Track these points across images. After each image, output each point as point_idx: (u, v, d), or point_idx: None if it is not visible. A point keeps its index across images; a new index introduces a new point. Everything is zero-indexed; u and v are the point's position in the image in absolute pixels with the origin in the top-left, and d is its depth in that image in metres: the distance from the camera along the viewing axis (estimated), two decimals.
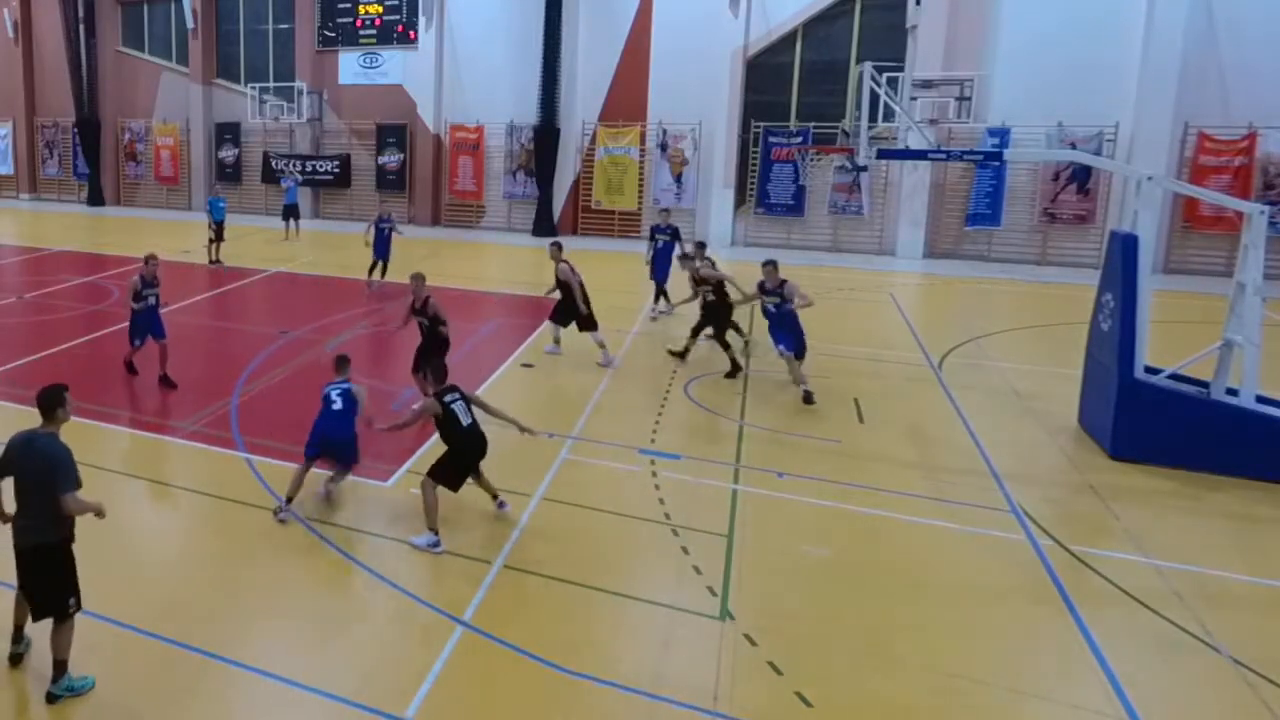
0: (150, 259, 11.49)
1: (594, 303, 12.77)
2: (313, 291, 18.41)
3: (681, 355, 12.47)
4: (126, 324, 11.44)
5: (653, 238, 15.71)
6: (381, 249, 17.57)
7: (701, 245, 13.41)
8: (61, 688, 5.31)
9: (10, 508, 5.41)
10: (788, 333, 11.07)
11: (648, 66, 24.92)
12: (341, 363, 8.33)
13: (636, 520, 7.73)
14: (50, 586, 5.29)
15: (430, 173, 28.02)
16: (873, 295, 17.82)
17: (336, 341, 13.57)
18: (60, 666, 5.32)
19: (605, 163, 25.59)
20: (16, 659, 5.55)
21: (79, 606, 5.39)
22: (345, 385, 8.11)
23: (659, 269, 15.53)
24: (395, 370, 12.29)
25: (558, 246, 13.30)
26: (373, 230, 17.65)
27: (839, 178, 23.03)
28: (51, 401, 5.33)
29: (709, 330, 12.35)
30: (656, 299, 15.46)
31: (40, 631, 5.48)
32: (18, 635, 5.55)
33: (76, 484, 5.18)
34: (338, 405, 8.01)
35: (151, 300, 11.35)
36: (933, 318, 16.53)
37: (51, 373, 10.44)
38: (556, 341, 13.01)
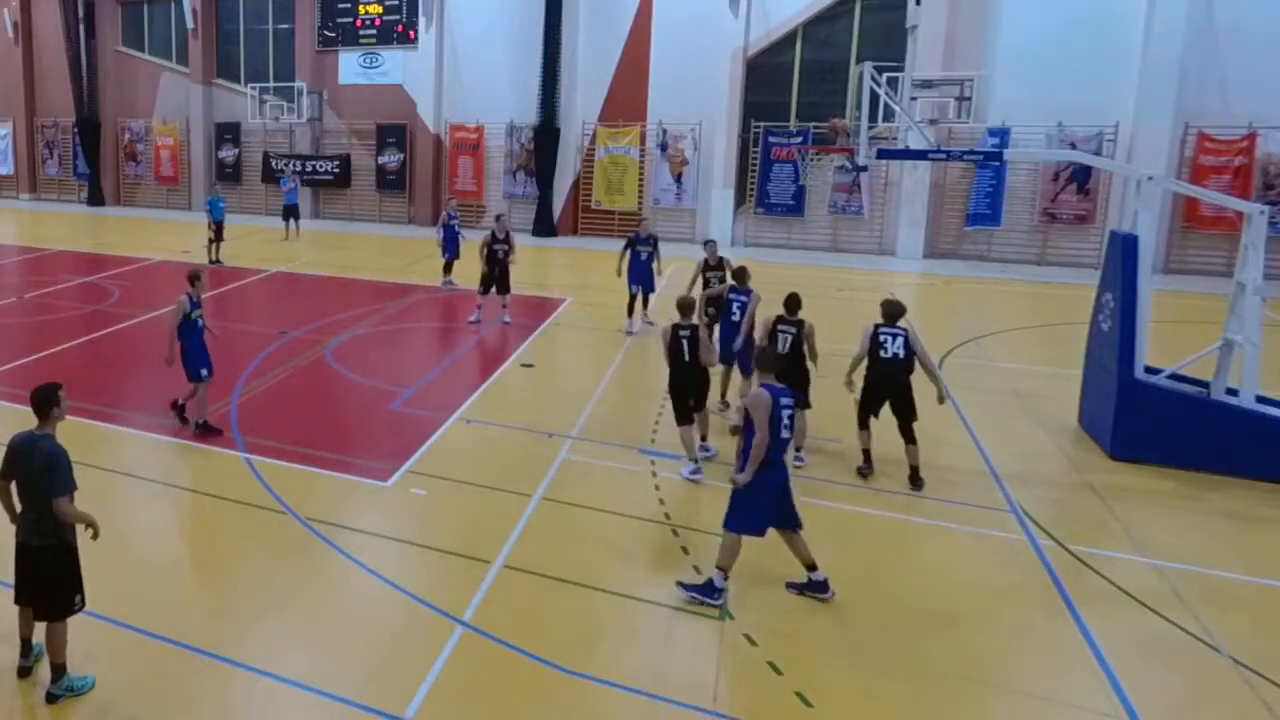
0: (199, 276, 9.82)
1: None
2: (313, 291, 18.40)
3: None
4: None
5: (630, 247, 14.21)
6: (453, 247, 17.76)
7: (714, 247, 12.63)
8: (62, 688, 5.31)
9: (17, 507, 5.42)
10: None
11: (648, 66, 24.91)
12: (741, 274, 10.35)
13: (636, 520, 7.73)
14: (58, 585, 5.31)
15: (430, 173, 28.01)
16: (873, 295, 17.67)
17: (337, 341, 13.57)
18: (59, 669, 5.32)
19: (605, 163, 25.59)
20: (25, 672, 5.49)
21: (84, 604, 5.41)
22: (745, 298, 10.08)
23: (640, 279, 14.16)
24: (395, 370, 12.29)
25: (497, 218, 15.35)
26: (442, 231, 17.85)
27: (839, 178, 23.03)
28: (46, 401, 5.32)
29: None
30: (645, 306, 14.33)
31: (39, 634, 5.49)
32: (25, 649, 5.51)
33: (71, 489, 5.21)
34: (735, 317, 10.06)
35: (200, 324, 9.66)
36: (933, 318, 16.51)
37: (52, 373, 10.43)
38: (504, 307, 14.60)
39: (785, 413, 6.28)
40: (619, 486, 8.44)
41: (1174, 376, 9.38)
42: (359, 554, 7.06)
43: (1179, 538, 7.54)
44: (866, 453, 8.72)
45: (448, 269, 17.90)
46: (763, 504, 6.32)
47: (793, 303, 9.16)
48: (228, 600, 6.41)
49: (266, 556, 7.09)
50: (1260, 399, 8.82)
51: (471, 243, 16.89)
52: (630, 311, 14.25)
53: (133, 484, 8.52)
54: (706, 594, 6.33)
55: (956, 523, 7.73)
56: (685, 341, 8.83)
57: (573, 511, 7.86)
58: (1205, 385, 9.24)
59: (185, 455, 9.26)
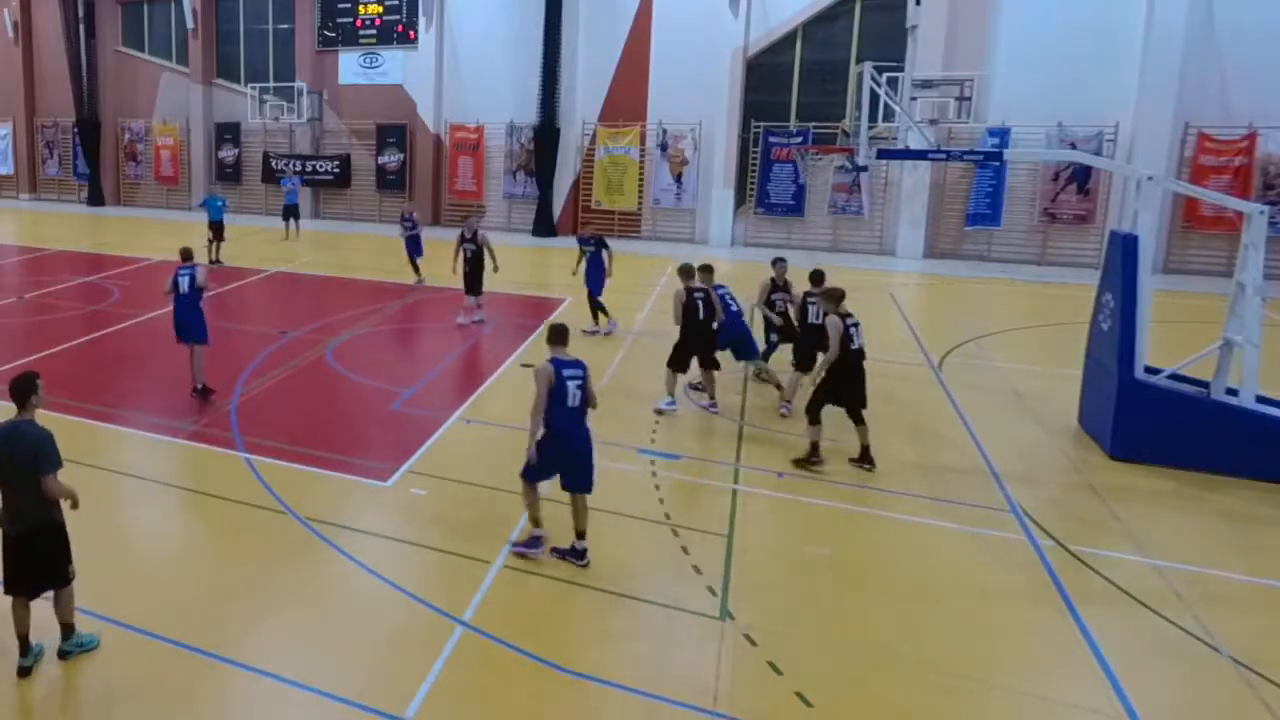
0: (190, 252, 11.31)
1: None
2: (313, 291, 18.41)
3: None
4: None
5: (582, 252, 14.56)
6: (414, 248, 18.08)
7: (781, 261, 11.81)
8: (73, 644, 5.61)
9: None
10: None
11: (648, 66, 24.91)
12: (706, 271, 10.80)
13: (636, 520, 7.73)
14: (54, 561, 5.51)
15: (430, 173, 28.01)
16: (873, 295, 17.79)
17: (337, 341, 13.57)
18: (68, 629, 5.60)
19: (605, 163, 25.59)
20: (26, 671, 5.50)
21: (74, 572, 5.62)
22: (723, 290, 10.69)
23: (592, 282, 14.21)
24: (395, 370, 12.29)
25: (465, 219, 15.93)
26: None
27: (839, 178, 23.04)
28: (25, 389, 5.52)
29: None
30: (595, 315, 14.19)
31: (40, 620, 5.49)
32: (24, 647, 5.53)
33: (59, 466, 5.38)
34: (734, 307, 10.63)
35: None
36: (933, 318, 16.53)
37: (52, 373, 10.42)
38: (479, 307, 14.84)
39: (573, 384, 6.82)
40: (619, 486, 8.43)
41: (1174, 376, 9.38)
42: (359, 554, 7.06)
43: (1179, 538, 7.54)
44: (816, 445, 8.85)
45: (415, 270, 18.23)
46: (550, 460, 6.93)
47: (819, 276, 10.52)
48: (228, 600, 6.41)
49: (266, 556, 7.09)
50: (1260, 399, 8.82)
51: (445, 242, 17.00)
52: (604, 312, 14.27)
53: (133, 484, 8.52)
54: (530, 546, 7.01)
55: (956, 523, 7.73)
56: (700, 302, 10.12)
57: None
58: (1205, 385, 9.24)
59: (185, 455, 9.26)
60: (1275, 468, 8.48)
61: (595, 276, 14.21)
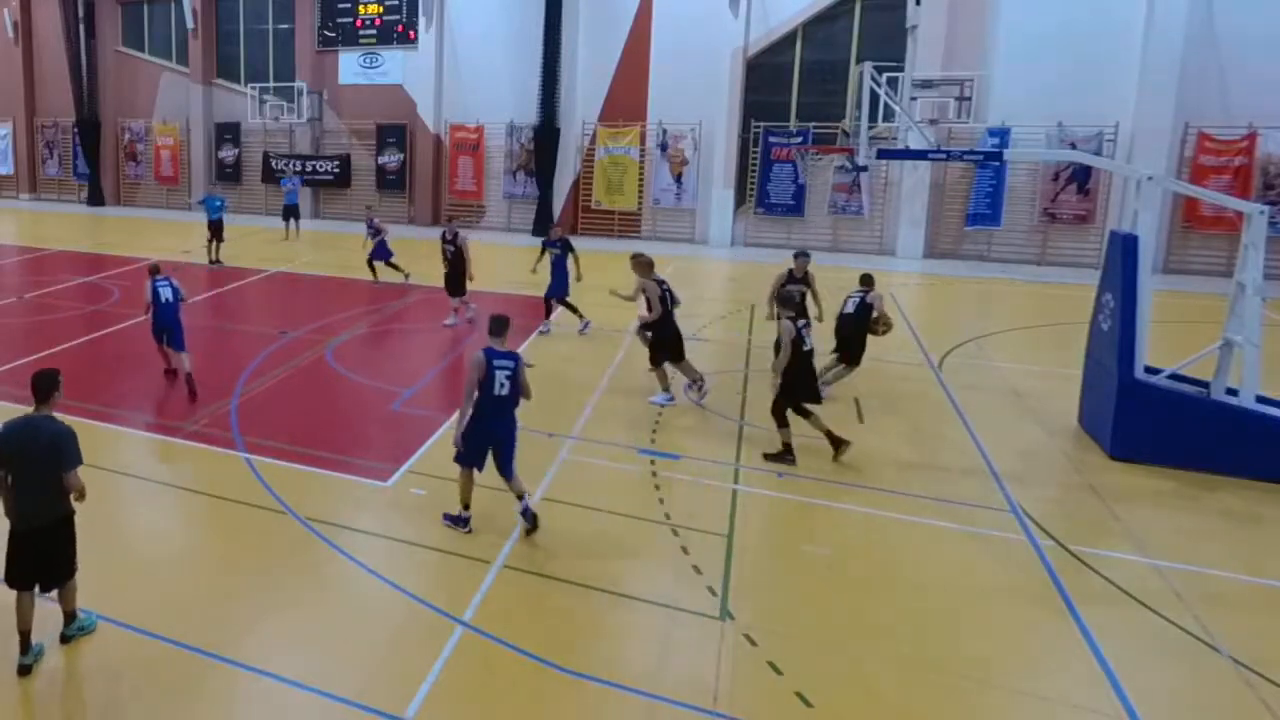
0: (158, 267, 11.67)
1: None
2: (313, 291, 18.40)
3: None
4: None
5: (543, 251, 14.58)
6: (380, 252, 18.10)
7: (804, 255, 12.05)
8: (74, 628, 5.71)
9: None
10: None
11: (648, 66, 24.92)
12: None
13: (636, 520, 7.73)
14: (66, 555, 5.59)
15: (430, 173, 28.02)
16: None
17: (337, 341, 13.58)
18: (70, 616, 5.71)
19: (605, 163, 25.59)
20: (26, 670, 5.49)
21: (77, 565, 5.71)
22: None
23: (556, 284, 14.17)
24: (395, 370, 12.29)
25: (449, 220, 16.09)
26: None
27: (839, 178, 23.04)
28: (48, 385, 5.57)
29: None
30: (578, 314, 14.20)
31: (39, 620, 5.49)
32: (25, 645, 5.52)
33: (79, 462, 5.42)
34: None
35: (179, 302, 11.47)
36: (933, 318, 16.53)
37: None
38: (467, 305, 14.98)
39: (502, 374, 7.08)
40: (619, 486, 8.44)
41: (1174, 376, 9.38)
42: (359, 554, 7.06)
43: (1179, 538, 7.54)
44: (789, 446, 8.98)
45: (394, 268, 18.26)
46: (477, 446, 7.22)
47: (869, 280, 11.26)
48: (228, 600, 6.41)
49: (266, 556, 7.09)
50: (1260, 399, 8.82)
51: (430, 241, 17.05)
52: (547, 312, 14.40)
53: (133, 484, 8.52)
54: (456, 523, 7.39)
55: (956, 523, 7.73)
56: (667, 292, 10.63)
57: (573, 511, 7.86)
58: (1205, 385, 9.24)
59: (185, 455, 9.26)
60: (1275, 468, 8.49)
61: (560, 279, 14.16)
